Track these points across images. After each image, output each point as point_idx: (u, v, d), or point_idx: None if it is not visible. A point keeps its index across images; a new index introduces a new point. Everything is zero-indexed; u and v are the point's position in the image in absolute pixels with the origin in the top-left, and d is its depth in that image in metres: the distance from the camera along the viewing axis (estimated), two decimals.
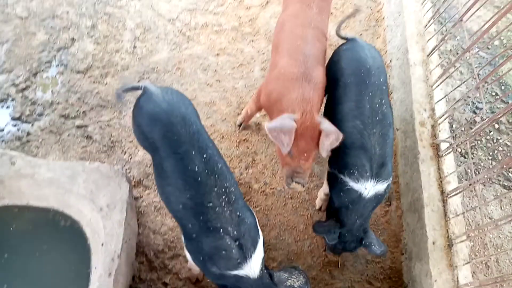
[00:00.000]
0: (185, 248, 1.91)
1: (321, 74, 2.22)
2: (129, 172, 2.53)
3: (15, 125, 2.56)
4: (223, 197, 1.74)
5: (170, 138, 1.77)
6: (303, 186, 2.04)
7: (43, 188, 2.03)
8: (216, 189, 1.73)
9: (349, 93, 2.18)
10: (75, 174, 2.03)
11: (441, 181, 2.58)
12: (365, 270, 2.52)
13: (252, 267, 1.78)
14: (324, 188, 2.57)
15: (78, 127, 2.61)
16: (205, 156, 1.77)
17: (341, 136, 1.98)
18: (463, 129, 2.99)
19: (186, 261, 2.32)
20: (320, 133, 1.96)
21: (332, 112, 2.26)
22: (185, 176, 1.73)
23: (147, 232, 2.40)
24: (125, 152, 2.59)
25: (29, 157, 2.07)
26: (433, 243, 2.37)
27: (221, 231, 1.72)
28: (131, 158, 2.58)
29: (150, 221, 2.43)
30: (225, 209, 1.73)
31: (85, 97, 2.70)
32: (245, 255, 1.76)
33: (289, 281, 1.91)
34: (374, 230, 2.63)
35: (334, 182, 2.19)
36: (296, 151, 1.97)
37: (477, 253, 2.62)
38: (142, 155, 2.58)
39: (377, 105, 2.13)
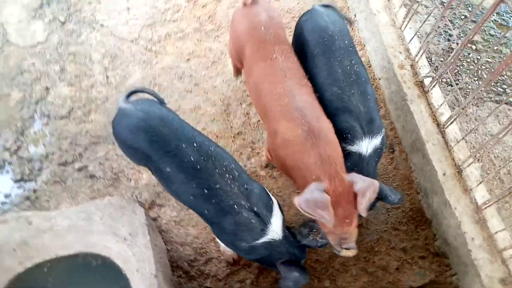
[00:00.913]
0: (213, 234, 2.02)
1: (326, 123, 2.06)
2: (140, 197, 2.59)
3: (19, 187, 2.61)
4: (226, 175, 1.83)
5: (156, 141, 1.84)
6: (355, 249, 1.93)
7: (65, 236, 2.08)
8: (217, 170, 1.82)
9: (319, 63, 2.21)
10: (90, 214, 2.09)
11: (434, 115, 2.64)
12: (388, 219, 2.60)
13: (275, 230, 1.89)
14: None
15: (79, 169, 2.66)
16: (195, 144, 1.84)
17: (377, 186, 1.87)
18: (441, 59, 3.03)
19: (219, 258, 2.42)
20: (355, 194, 1.83)
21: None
22: (184, 169, 1.81)
23: (175, 247, 2.47)
24: (130, 179, 2.64)
25: (43, 212, 2.12)
26: (444, 175, 2.44)
27: (235, 207, 1.82)
28: (138, 183, 2.63)
29: (175, 235, 2.50)
30: (232, 186, 1.83)
31: (76, 140, 2.74)
32: (264, 221, 1.86)
33: (311, 235, 2.03)
34: (385, 179, 2.70)
35: None
36: (337, 220, 1.82)
37: (487, 171, 2.69)
38: (147, 177, 2.63)
39: (348, 67, 2.17)
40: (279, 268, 1.96)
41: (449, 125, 2.53)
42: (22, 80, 2.94)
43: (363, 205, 1.80)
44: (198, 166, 1.80)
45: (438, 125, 2.61)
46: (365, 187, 1.81)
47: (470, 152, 2.48)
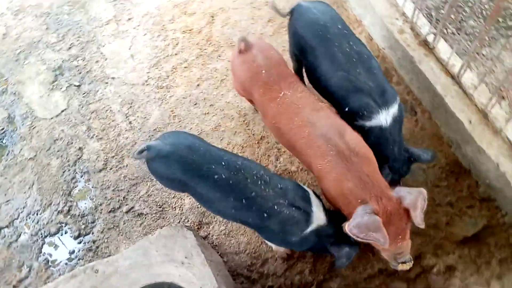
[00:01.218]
0: (264, 239, 2.12)
1: (352, 136, 2.01)
2: (187, 221, 2.73)
3: (80, 242, 2.81)
4: (259, 182, 1.96)
5: (189, 169, 1.99)
6: (411, 261, 1.93)
7: (130, 275, 2.23)
8: (248, 180, 1.95)
9: (320, 54, 2.26)
10: (147, 249, 2.23)
11: (446, 69, 2.64)
12: (427, 178, 2.62)
13: (318, 217, 1.98)
14: None
15: (127, 212, 2.83)
16: (223, 163, 1.98)
17: (425, 193, 1.84)
18: (441, 11, 3.02)
19: (273, 257, 2.51)
20: (405, 209, 1.81)
21: (315, 78, 2.35)
22: (219, 187, 1.96)
23: (231, 257, 2.59)
24: (175, 208, 2.79)
25: (105, 258, 2.29)
26: (470, 123, 2.43)
27: (275, 207, 1.94)
28: (182, 209, 2.77)
29: (228, 246, 2.62)
30: (267, 190, 1.96)
31: (117, 186, 2.93)
32: (306, 211, 1.96)
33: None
34: (414, 142, 2.72)
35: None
36: (390, 238, 1.78)
37: None
38: (189, 202, 2.77)
39: (347, 49, 2.22)
40: (330, 250, 2.03)
41: (463, 73, 2.52)
42: (56, 148, 3.17)
43: (418, 218, 1.76)
44: (231, 182, 1.94)
45: (452, 77, 2.61)
46: (414, 199, 1.79)
47: (490, 93, 2.45)
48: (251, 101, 2.49)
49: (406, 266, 1.92)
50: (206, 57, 3.33)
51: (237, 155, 2.09)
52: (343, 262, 2.00)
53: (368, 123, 2.18)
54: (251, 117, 3.00)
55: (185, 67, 3.32)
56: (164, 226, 2.72)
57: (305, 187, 2.09)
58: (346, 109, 2.22)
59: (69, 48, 3.57)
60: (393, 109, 2.18)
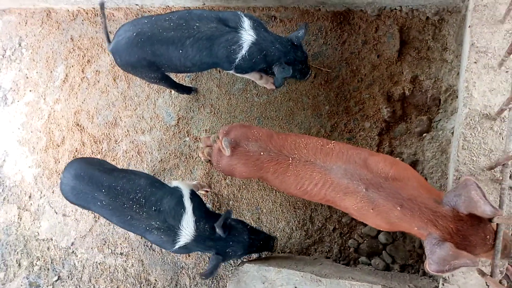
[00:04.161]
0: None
1: (373, 160, 1.89)
2: None
3: None
4: (134, 206, 2.20)
5: (80, 196, 2.36)
6: None
7: None
8: (125, 205, 2.21)
9: (163, 51, 2.35)
10: None
11: None
12: None
13: (186, 234, 2.21)
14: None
15: None
16: (103, 190, 2.27)
17: (471, 180, 1.63)
18: None
19: None
20: (470, 216, 1.63)
21: (179, 67, 2.45)
22: (103, 210, 2.29)
23: None
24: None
25: None
26: None
27: (147, 228, 2.20)
28: None
29: None
30: (140, 212, 2.20)
31: None
32: (174, 231, 2.21)
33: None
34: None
35: None
36: (478, 251, 1.64)
37: None
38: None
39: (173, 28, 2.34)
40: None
41: None
42: None
43: (486, 210, 1.55)
44: (111, 207, 2.23)
45: None
46: (466, 197, 1.59)
47: None
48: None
49: None
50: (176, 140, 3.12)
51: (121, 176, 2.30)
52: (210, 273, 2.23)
53: (244, 50, 2.31)
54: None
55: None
56: None
57: (186, 202, 2.26)
58: (225, 65, 2.40)
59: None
60: (246, 23, 2.32)
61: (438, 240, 1.61)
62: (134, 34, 2.31)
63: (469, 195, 1.59)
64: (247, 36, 2.31)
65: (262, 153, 2.09)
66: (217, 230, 2.19)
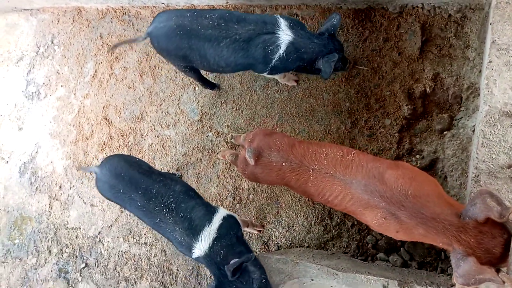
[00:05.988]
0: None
1: (393, 175, 1.85)
2: None
3: None
4: (163, 210, 2.23)
5: (117, 195, 2.39)
6: None
7: None
8: (157, 208, 2.23)
9: (199, 45, 2.41)
10: None
11: None
12: None
13: (200, 248, 2.15)
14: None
15: None
16: (140, 192, 2.30)
17: (486, 190, 1.67)
18: None
19: None
20: (487, 224, 1.64)
21: (212, 64, 2.47)
22: (137, 211, 2.34)
23: None
24: None
25: None
26: None
27: (172, 233, 2.22)
28: None
29: None
30: (168, 217, 2.21)
31: None
32: (190, 243, 2.20)
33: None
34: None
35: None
36: (503, 261, 1.66)
37: None
38: None
39: (210, 25, 2.39)
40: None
41: None
42: None
43: (504, 215, 1.55)
44: (144, 209, 2.26)
45: None
46: (483, 207, 1.59)
47: None
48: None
49: None
50: (200, 135, 3.19)
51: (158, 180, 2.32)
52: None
53: (282, 50, 2.33)
54: None
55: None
56: None
57: (216, 217, 2.21)
58: (260, 66, 2.42)
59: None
60: (282, 23, 2.34)
61: (462, 255, 1.63)
62: (175, 25, 2.37)
63: (484, 201, 1.61)
64: (285, 36, 2.32)
65: (284, 164, 2.10)
66: (226, 269, 2.00)
